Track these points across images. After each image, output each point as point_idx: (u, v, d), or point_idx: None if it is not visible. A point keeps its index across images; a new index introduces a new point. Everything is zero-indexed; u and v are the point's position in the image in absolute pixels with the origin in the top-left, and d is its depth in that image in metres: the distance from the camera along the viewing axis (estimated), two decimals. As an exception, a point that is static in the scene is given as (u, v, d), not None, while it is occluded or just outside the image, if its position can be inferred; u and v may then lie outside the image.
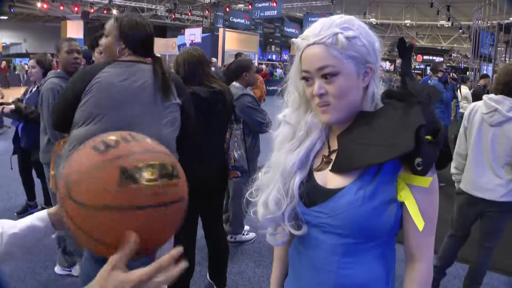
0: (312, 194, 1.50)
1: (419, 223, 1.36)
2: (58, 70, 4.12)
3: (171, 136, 2.73)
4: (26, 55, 43.26)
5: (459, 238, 4.06)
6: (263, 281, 4.38)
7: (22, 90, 21.36)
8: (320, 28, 1.40)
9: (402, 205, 1.40)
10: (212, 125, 3.56)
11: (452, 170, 4.05)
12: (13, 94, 23.35)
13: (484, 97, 3.74)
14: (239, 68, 4.80)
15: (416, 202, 1.37)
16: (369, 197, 1.38)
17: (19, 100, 5.13)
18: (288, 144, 1.58)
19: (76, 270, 4.31)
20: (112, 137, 1.05)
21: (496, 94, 3.66)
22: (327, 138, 1.57)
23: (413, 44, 1.59)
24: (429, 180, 1.34)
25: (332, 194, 1.44)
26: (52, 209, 1.37)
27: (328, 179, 1.49)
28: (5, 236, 1.31)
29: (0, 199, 6.57)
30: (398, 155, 1.32)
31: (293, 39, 1.49)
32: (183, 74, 3.45)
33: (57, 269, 4.39)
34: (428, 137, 1.32)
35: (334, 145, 1.51)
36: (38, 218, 1.36)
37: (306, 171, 1.55)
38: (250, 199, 1.67)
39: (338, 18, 1.41)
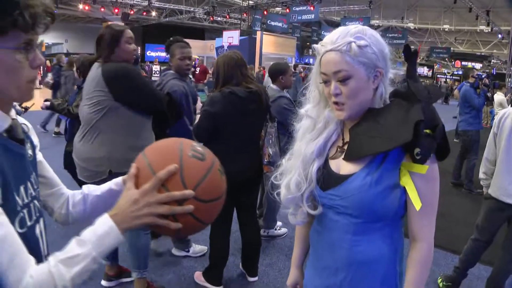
0: (327, 179, 1.77)
1: (417, 204, 1.59)
2: (172, 71, 4.51)
3: (88, 110, 3.48)
4: (67, 55, 44.19)
5: (482, 243, 4.15)
6: (293, 273, 4.59)
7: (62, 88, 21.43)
8: (337, 37, 1.65)
9: (405, 190, 1.63)
10: (248, 122, 3.83)
11: (481, 175, 4.15)
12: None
13: None
14: (276, 71, 5.07)
15: (416, 187, 1.60)
16: (375, 182, 1.62)
17: (66, 100, 5.47)
18: (308, 134, 1.85)
19: (193, 251, 4.93)
20: (196, 145, 1.42)
21: None
22: (342, 131, 1.83)
23: (418, 50, 1.84)
24: (426, 168, 1.57)
25: (344, 179, 1.70)
26: (126, 176, 1.61)
27: (341, 166, 1.74)
28: (91, 197, 1.65)
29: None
30: (398, 145, 1.56)
31: (314, 45, 1.74)
32: (222, 75, 3.76)
33: (175, 251, 4.96)
34: (427, 131, 1.55)
35: (347, 137, 1.76)
36: (115, 183, 1.65)
37: (323, 159, 1.81)
38: (274, 182, 1.96)
39: (353, 28, 1.66)
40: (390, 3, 46.97)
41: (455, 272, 4.33)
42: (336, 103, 1.69)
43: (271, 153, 4.08)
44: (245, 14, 35.73)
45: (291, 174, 1.85)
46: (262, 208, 5.51)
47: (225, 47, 25.54)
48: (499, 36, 40.72)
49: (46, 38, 40.27)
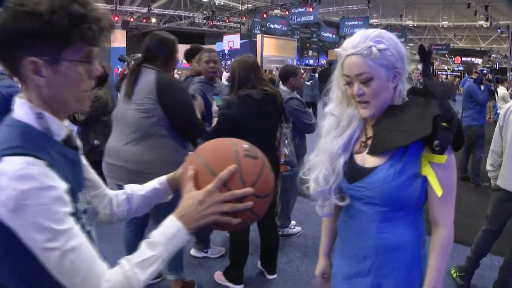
0: (353, 172, 1.92)
1: (438, 190, 1.75)
2: (202, 77, 4.73)
3: (137, 115, 3.55)
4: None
5: (493, 233, 4.27)
6: (310, 269, 4.69)
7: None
8: (357, 41, 1.80)
9: (426, 179, 1.78)
10: (264, 123, 3.97)
11: (488, 167, 4.29)
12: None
13: None
14: (286, 74, 5.21)
15: (436, 176, 1.75)
16: (398, 173, 1.78)
17: None
18: (333, 132, 2.00)
19: (211, 252, 5.08)
20: (245, 145, 1.54)
21: None
22: (364, 127, 1.98)
23: (431, 49, 2.02)
24: (445, 158, 1.73)
25: (369, 172, 1.86)
26: (170, 175, 1.75)
27: (366, 160, 1.90)
28: (135, 197, 1.75)
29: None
30: (418, 138, 1.71)
31: (336, 49, 1.92)
32: (238, 79, 3.91)
33: (193, 252, 5.10)
34: (444, 124, 1.70)
35: (370, 132, 1.93)
36: (158, 182, 1.76)
37: (348, 153, 1.97)
38: (303, 177, 2.10)
39: (373, 32, 1.82)
40: (389, 1, 47.02)
41: (468, 262, 4.44)
42: (360, 102, 1.83)
43: (287, 152, 4.21)
44: (244, 18, 35.81)
45: (319, 169, 1.99)
46: (276, 208, 5.61)
47: (226, 51, 25.62)
48: (498, 30, 40.72)
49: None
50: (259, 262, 4.69)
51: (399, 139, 1.76)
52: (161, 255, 1.32)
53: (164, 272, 4.10)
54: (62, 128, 1.37)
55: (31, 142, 1.25)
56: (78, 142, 1.54)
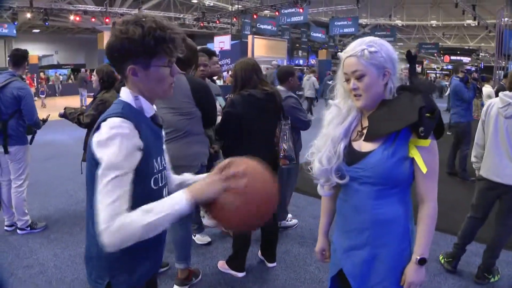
0: (351, 156, 2.26)
1: (423, 168, 2.08)
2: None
3: (176, 118, 3.89)
4: (58, 66, 44.29)
5: (478, 220, 4.62)
6: (307, 257, 5.05)
7: (57, 100, 22.18)
8: (354, 45, 2.19)
9: (413, 161, 2.12)
10: (265, 121, 4.28)
11: (472, 158, 4.66)
12: (49, 103, 23.63)
13: (500, 93, 4.35)
14: (285, 74, 5.51)
15: (422, 157, 2.09)
16: (391, 155, 2.12)
17: (80, 109, 5.75)
18: (335, 120, 2.35)
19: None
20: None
21: (510, 91, 4.27)
22: (360, 119, 2.33)
23: (416, 53, 2.42)
24: (429, 141, 2.07)
25: (365, 155, 2.20)
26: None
27: (362, 145, 2.24)
28: (185, 185, 2.20)
29: (62, 196, 7.49)
30: (407, 125, 2.06)
31: (339, 53, 2.30)
32: (240, 79, 4.23)
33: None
34: (428, 114, 2.05)
35: (365, 123, 2.27)
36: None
37: (347, 140, 2.31)
38: (308, 158, 2.45)
39: (367, 39, 2.20)
40: (377, 1, 47.39)
41: (455, 248, 4.77)
42: (355, 95, 2.19)
43: (286, 148, 4.48)
44: (235, 19, 35.95)
45: (323, 152, 2.32)
46: (274, 201, 5.87)
47: (217, 53, 25.73)
48: (486, 29, 41.09)
49: (36, 51, 40.24)
50: (259, 252, 4.98)
51: (391, 126, 2.10)
52: (163, 210, 1.71)
53: (175, 261, 4.35)
54: (150, 108, 2.00)
55: (128, 112, 1.86)
56: (161, 120, 2.15)
